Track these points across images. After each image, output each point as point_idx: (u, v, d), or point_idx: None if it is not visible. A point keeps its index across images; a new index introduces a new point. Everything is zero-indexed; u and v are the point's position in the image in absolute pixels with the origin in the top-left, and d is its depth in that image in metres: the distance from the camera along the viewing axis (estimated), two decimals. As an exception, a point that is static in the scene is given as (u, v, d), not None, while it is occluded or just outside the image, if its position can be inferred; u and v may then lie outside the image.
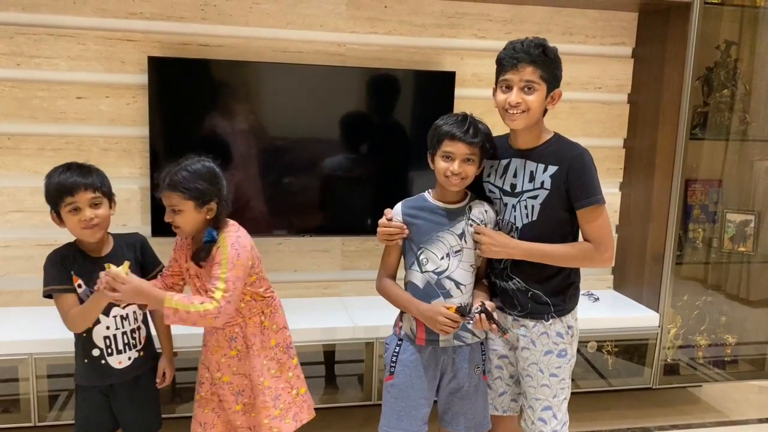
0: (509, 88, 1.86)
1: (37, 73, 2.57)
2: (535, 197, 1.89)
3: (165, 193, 1.85)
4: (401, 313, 2.05)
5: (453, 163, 1.88)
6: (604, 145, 3.14)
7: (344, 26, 2.79)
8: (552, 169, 1.88)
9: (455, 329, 1.89)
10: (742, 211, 3.10)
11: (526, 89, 1.84)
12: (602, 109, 3.11)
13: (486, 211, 1.99)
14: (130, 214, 2.71)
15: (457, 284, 1.94)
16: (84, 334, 1.94)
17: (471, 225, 1.96)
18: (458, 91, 2.81)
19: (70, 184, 1.86)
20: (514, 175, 1.94)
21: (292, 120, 2.73)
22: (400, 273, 2.05)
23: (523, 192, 1.92)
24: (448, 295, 1.94)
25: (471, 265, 1.97)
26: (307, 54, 2.77)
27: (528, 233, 1.91)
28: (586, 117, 3.09)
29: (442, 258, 1.94)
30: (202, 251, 1.88)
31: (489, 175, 2.01)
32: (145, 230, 2.68)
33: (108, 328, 1.95)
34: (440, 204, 1.98)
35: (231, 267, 1.83)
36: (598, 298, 3.09)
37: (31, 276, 2.63)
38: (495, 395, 2.09)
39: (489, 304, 1.90)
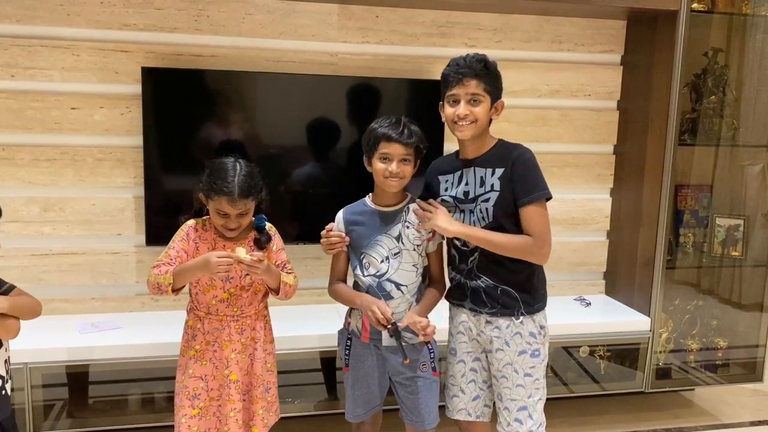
0: (456, 102, 1.95)
1: (31, 84, 2.59)
2: (487, 200, 1.97)
3: (238, 202, 1.91)
4: (350, 310, 2.13)
5: (391, 163, 1.96)
6: (595, 151, 3.18)
7: (336, 36, 2.82)
8: (499, 171, 1.96)
9: (380, 325, 1.92)
10: (732, 216, 3.12)
11: (472, 102, 1.94)
12: (592, 115, 3.14)
13: None
14: (124, 224, 2.72)
15: (398, 285, 2.01)
16: None
17: (408, 227, 2.02)
18: (449, 99, 2.84)
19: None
20: (466, 183, 2.02)
21: (284, 129, 2.75)
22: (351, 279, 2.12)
23: (476, 197, 1.99)
24: (389, 296, 2.01)
25: (413, 266, 2.03)
26: (299, 63, 2.79)
27: None
28: (576, 124, 3.12)
29: (382, 261, 2.02)
30: (263, 236, 2.04)
31: (446, 189, 2.08)
32: (140, 239, 2.71)
33: (6, 350, 1.83)
34: (377, 207, 2.05)
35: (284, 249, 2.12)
36: (589, 303, 3.11)
37: (25, 286, 2.62)
38: (468, 399, 2.11)
39: (417, 322, 1.92)
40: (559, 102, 3.09)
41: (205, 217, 2.05)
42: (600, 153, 3.19)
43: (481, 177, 1.99)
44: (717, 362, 3.12)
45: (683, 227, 3.10)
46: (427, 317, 2.01)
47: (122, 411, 2.50)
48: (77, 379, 2.44)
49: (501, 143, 2.03)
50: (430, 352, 2.09)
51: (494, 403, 2.11)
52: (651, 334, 2.93)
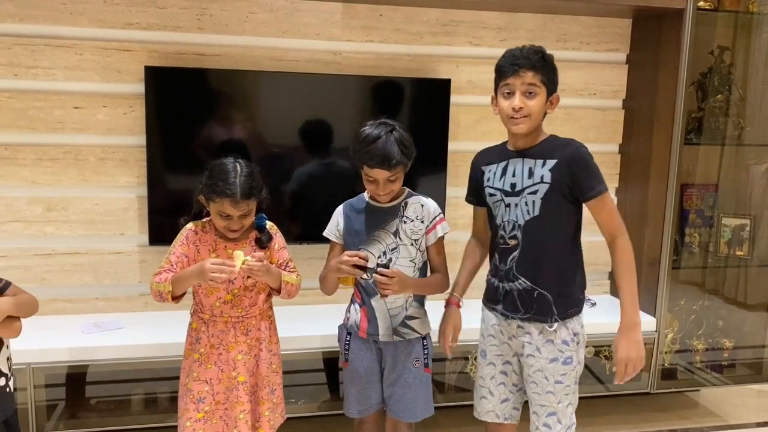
0: (511, 93, 1.88)
1: (34, 83, 2.58)
2: (535, 192, 1.90)
3: (241, 203, 1.89)
4: (349, 305, 2.15)
5: (377, 186, 1.97)
6: (600, 150, 3.14)
7: (340, 35, 2.81)
8: (551, 163, 1.89)
9: (352, 272, 1.94)
10: (738, 216, 3.11)
11: (527, 93, 1.87)
12: (597, 114, 3.12)
13: (422, 206, 2.04)
14: (127, 223, 2.72)
15: None
16: None
17: (405, 222, 2.02)
18: (453, 99, 2.83)
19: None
20: (513, 175, 1.95)
21: (288, 128, 2.74)
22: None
23: (523, 189, 1.92)
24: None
25: (411, 261, 2.04)
26: (303, 62, 2.78)
27: (532, 228, 1.91)
28: (582, 123, 3.10)
29: (379, 257, 2.02)
30: (264, 235, 2.03)
31: (488, 180, 2.00)
32: (143, 239, 2.70)
33: (7, 348, 1.83)
34: (375, 204, 2.05)
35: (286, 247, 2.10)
36: (595, 303, 3.09)
37: (28, 286, 2.61)
38: (497, 402, 2.06)
39: (392, 271, 1.94)
40: (564, 101, 2.98)
41: (204, 219, 2.04)
42: (605, 152, 3.17)
43: (530, 168, 1.91)
44: (723, 363, 3.11)
45: (689, 227, 3.08)
46: (408, 288, 2.00)
47: (125, 411, 2.50)
48: (80, 379, 2.44)
49: (553, 136, 1.97)
50: (424, 348, 2.09)
51: (523, 404, 2.09)
52: (656, 334, 2.91)
